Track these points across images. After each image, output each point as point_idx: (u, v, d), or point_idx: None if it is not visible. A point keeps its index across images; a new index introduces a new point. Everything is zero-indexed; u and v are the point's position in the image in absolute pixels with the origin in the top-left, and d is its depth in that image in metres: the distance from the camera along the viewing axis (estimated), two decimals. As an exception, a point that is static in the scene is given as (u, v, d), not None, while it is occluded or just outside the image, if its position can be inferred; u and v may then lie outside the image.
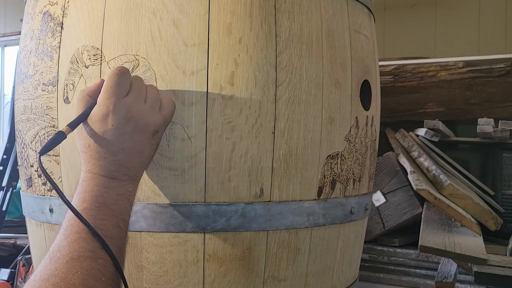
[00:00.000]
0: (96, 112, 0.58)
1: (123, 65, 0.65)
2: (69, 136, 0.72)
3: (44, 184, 0.76)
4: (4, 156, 1.79)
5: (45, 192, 0.76)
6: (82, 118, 0.59)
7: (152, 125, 0.61)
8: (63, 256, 0.49)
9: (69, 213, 0.54)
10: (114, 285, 0.51)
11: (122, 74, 0.59)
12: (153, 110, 0.61)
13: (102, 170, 0.57)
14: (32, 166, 0.78)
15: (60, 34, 0.73)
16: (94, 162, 0.57)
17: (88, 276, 0.47)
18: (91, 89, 0.61)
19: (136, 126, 0.59)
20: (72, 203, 0.55)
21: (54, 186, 0.54)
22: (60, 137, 0.57)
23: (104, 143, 0.58)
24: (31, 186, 0.80)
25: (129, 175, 0.59)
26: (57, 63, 0.73)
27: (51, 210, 0.74)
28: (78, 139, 0.60)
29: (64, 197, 0.54)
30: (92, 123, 0.58)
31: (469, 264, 1.18)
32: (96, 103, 0.59)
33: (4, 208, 1.75)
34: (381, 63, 1.77)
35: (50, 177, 0.55)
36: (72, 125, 0.58)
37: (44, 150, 0.56)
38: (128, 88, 0.60)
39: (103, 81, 0.60)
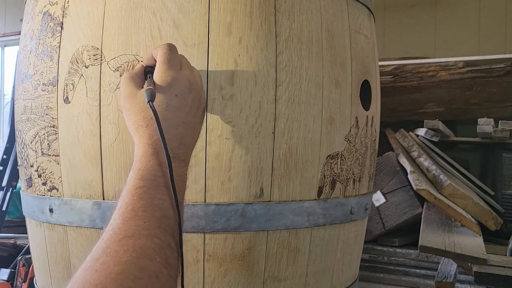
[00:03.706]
0: (159, 83, 0.56)
1: (123, 65, 0.65)
2: (68, 136, 0.72)
3: (44, 184, 0.76)
4: (4, 156, 1.79)
5: (45, 192, 0.76)
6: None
7: (204, 100, 0.62)
8: (116, 234, 0.45)
9: (124, 192, 0.51)
10: (170, 268, 0.45)
11: (173, 49, 0.59)
12: (202, 86, 0.62)
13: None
14: (32, 166, 0.78)
15: (60, 34, 0.73)
16: (157, 137, 0.54)
17: (142, 255, 0.43)
18: (137, 70, 0.61)
19: (194, 100, 0.59)
20: (128, 179, 0.52)
21: (159, 128, 0.52)
22: (154, 91, 0.55)
23: (168, 115, 0.56)
24: (31, 186, 0.80)
25: (185, 155, 0.57)
26: (57, 63, 0.73)
27: (51, 210, 0.74)
28: (134, 113, 0.57)
29: (163, 136, 0.52)
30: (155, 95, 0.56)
31: (469, 264, 1.18)
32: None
33: (4, 208, 1.75)
34: (381, 63, 1.77)
35: (158, 117, 0.53)
36: (151, 85, 0.56)
37: (153, 98, 0.54)
38: (180, 62, 0.60)
39: (143, 66, 0.61)
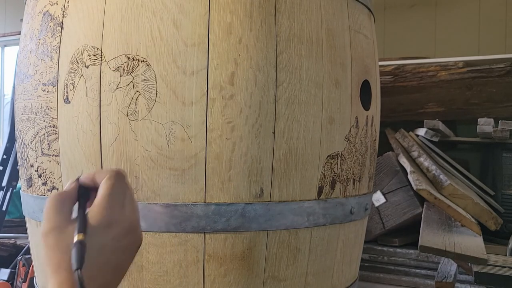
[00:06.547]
0: (96, 219, 0.48)
1: (123, 65, 0.64)
2: (68, 136, 0.72)
3: (44, 184, 0.76)
4: (4, 156, 1.79)
5: (45, 192, 0.76)
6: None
7: (140, 240, 0.53)
8: None
9: None
10: None
11: (120, 180, 0.51)
12: (140, 224, 0.54)
13: None
14: (32, 166, 0.78)
15: (60, 34, 0.73)
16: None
17: None
18: (68, 192, 0.51)
19: (130, 241, 0.51)
20: None
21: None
22: (84, 245, 0.47)
23: (101, 261, 0.48)
24: (31, 186, 0.80)
25: None
26: (57, 63, 0.73)
27: (51, 210, 0.74)
28: (59, 252, 0.48)
29: None
30: (89, 236, 0.47)
31: (469, 264, 1.18)
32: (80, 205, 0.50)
33: (4, 208, 1.75)
34: (381, 63, 1.77)
35: None
36: (83, 230, 0.48)
37: (81, 264, 0.46)
38: (125, 197, 0.52)
39: (77, 184, 0.52)
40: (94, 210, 0.49)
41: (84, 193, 0.51)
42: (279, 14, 0.71)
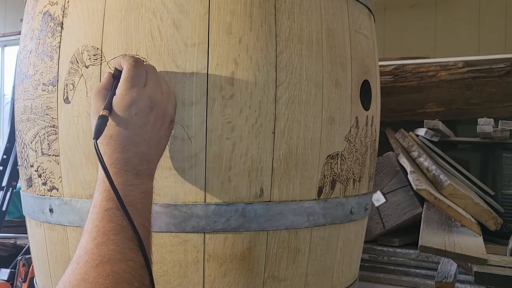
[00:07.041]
0: (119, 102, 0.57)
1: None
2: (68, 136, 0.72)
3: (44, 184, 0.76)
4: (4, 156, 1.79)
5: (45, 192, 0.76)
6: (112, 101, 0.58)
7: (169, 114, 0.62)
8: (92, 259, 0.47)
9: (93, 214, 0.52)
10: (145, 287, 0.48)
11: (139, 64, 0.59)
12: (168, 100, 0.62)
13: (126, 164, 0.56)
14: (32, 166, 0.78)
15: (60, 34, 0.73)
16: (117, 156, 0.55)
17: (121, 280, 0.45)
18: (104, 83, 0.61)
19: (157, 116, 0.59)
20: (95, 200, 0.53)
21: (102, 164, 0.53)
22: (105, 120, 0.56)
23: (128, 134, 0.56)
24: (31, 186, 0.80)
25: (149, 170, 0.58)
26: (57, 63, 0.73)
27: (51, 210, 0.74)
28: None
29: (113, 184, 0.52)
30: (115, 114, 0.56)
31: (469, 264, 1.18)
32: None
33: (4, 208, 1.75)
34: (381, 63, 1.77)
35: (102, 158, 0.54)
36: (109, 108, 0.57)
37: (98, 136, 0.55)
38: (145, 77, 0.59)
39: (110, 74, 0.61)
40: (117, 92, 0.58)
41: (118, 75, 0.60)
42: (279, 14, 0.71)
